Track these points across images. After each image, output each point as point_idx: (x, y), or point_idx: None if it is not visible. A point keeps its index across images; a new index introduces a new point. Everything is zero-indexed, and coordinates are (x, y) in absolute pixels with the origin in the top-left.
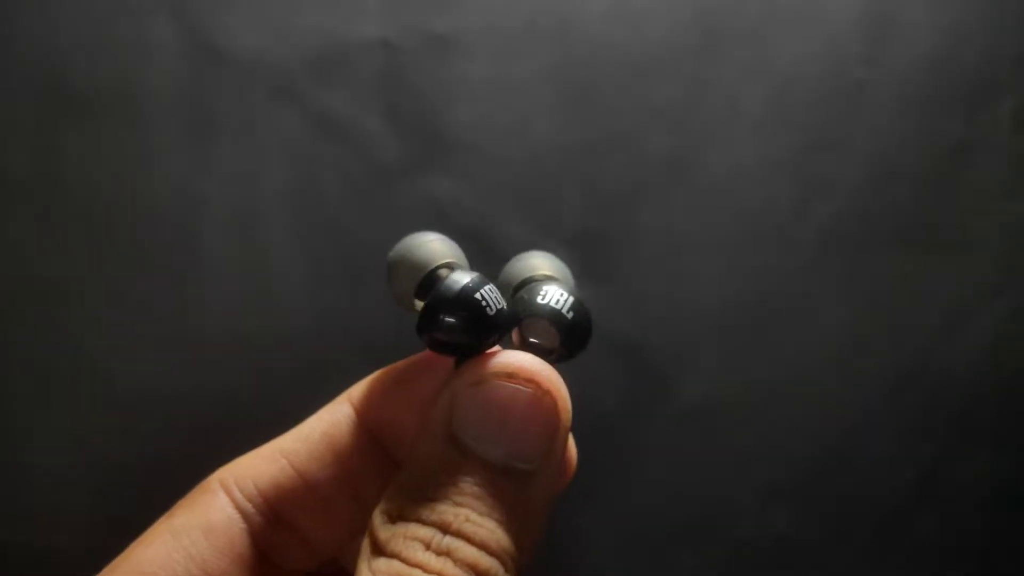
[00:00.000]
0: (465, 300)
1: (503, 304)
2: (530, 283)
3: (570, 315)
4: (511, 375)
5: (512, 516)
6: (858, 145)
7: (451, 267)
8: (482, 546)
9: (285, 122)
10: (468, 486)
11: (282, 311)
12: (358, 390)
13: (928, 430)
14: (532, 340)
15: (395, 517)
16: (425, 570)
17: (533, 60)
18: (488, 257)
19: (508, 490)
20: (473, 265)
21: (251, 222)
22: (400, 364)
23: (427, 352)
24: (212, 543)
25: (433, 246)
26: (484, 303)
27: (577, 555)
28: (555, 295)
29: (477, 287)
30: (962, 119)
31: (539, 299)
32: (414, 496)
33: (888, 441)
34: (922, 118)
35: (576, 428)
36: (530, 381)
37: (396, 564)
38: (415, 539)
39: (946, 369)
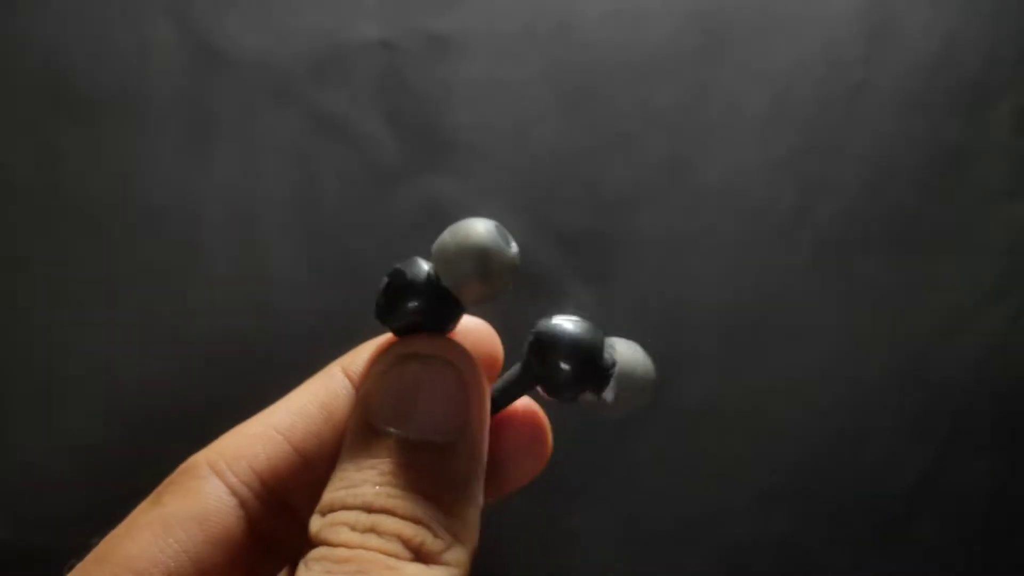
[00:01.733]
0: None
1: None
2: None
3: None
4: (412, 356)
5: (436, 487)
6: (858, 146)
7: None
8: (405, 517)
9: (285, 123)
10: (386, 465)
11: (282, 311)
12: (352, 360)
13: (928, 432)
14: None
15: (325, 511)
16: (348, 547)
17: (533, 62)
18: None
19: (427, 463)
20: None
21: (251, 222)
22: (388, 336)
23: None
24: (207, 534)
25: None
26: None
27: (577, 555)
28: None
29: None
30: (962, 120)
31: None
32: (340, 487)
33: (888, 442)
34: (922, 119)
35: (576, 428)
36: (431, 357)
37: (323, 550)
38: (341, 524)
39: (946, 371)
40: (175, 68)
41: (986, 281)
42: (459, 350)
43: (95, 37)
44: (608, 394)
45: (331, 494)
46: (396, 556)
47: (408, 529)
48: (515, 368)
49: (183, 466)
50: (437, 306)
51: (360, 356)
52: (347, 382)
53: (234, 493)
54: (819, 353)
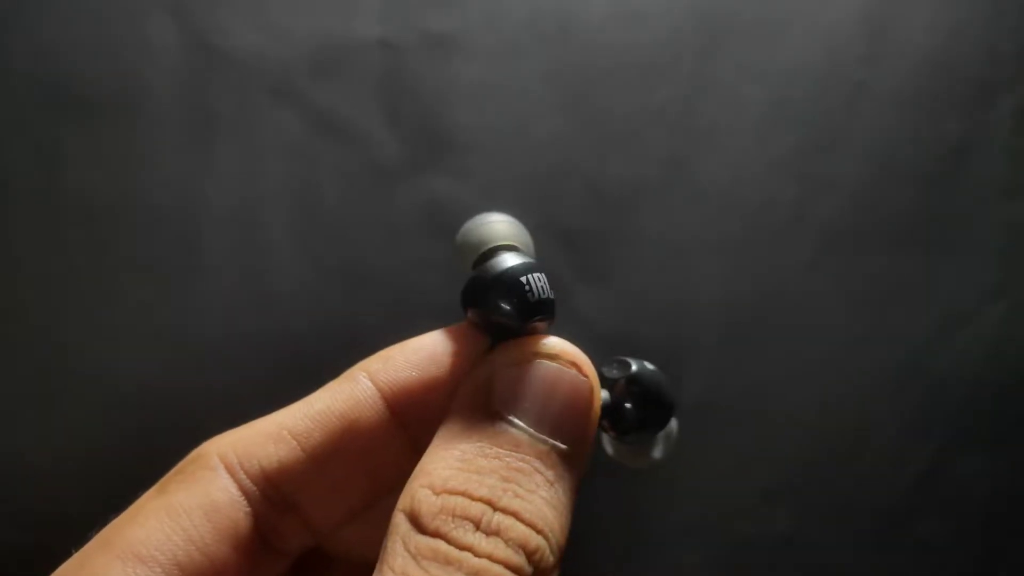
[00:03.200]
0: (511, 282)
1: (549, 293)
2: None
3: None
4: (555, 356)
5: (555, 495)
6: (858, 145)
7: (510, 248)
8: (530, 523)
9: (285, 122)
10: (514, 461)
11: (281, 311)
12: (380, 367)
13: (928, 430)
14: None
15: (439, 489)
16: (475, 553)
17: (533, 61)
18: None
19: (551, 469)
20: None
21: (251, 222)
22: (423, 341)
23: (451, 328)
24: (214, 525)
25: (495, 227)
26: (528, 288)
27: (577, 555)
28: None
29: (525, 271)
30: (962, 119)
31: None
32: (459, 468)
33: (888, 441)
34: (922, 118)
35: None
36: (572, 364)
37: (442, 546)
38: (464, 517)
39: (946, 369)
40: (175, 67)
41: (986, 280)
42: (590, 363)
43: (95, 37)
44: (667, 444)
45: (448, 471)
46: (520, 572)
47: (533, 540)
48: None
49: (192, 455)
50: (546, 307)
51: (390, 361)
52: (374, 390)
53: (242, 489)
54: (819, 352)
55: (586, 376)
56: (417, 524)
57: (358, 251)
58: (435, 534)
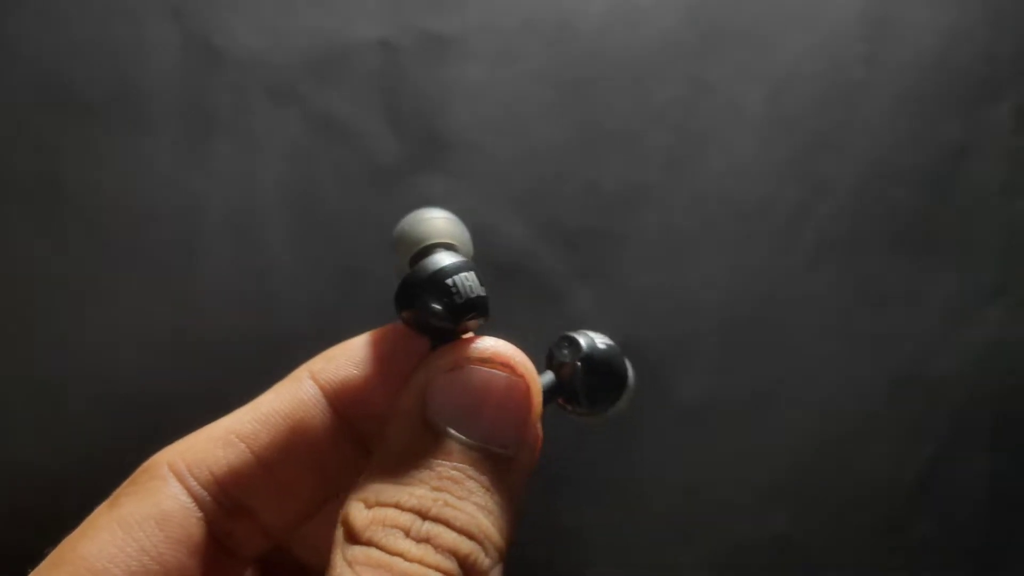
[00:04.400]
0: (438, 284)
1: (479, 292)
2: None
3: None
4: (486, 360)
5: (490, 500)
6: (857, 145)
7: (444, 246)
8: (462, 531)
9: (285, 122)
10: (446, 470)
11: (281, 311)
12: (323, 366)
13: (928, 431)
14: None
15: (371, 503)
16: (406, 558)
17: (532, 60)
18: (488, 258)
19: (485, 474)
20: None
21: (250, 222)
22: (365, 340)
23: (391, 326)
24: (167, 534)
25: (430, 224)
26: (455, 289)
27: (577, 555)
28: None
29: (453, 271)
30: (962, 119)
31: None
32: (390, 482)
33: (888, 442)
34: (922, 118)
35: (576, 428)
36: (505, 366)
37: (374, 552)
38: (394, 526)
39: (945, 370)
40: (175, 68)
41: (986, 281)
42: (528, 362)
43: (95, 37)
44: (623, 404)
45: (380, 485)
46: (451, 574)
47: (464, 545)
48: (547, 380)
49: (142, 467)
50: (474, 305)
51: (331, 359)
52: (316, 389)
53: (193, 496)
54: (819, 352)
55: (520, 376)
56: (351, 536)
57: (357, 251)
58: (368, 543)
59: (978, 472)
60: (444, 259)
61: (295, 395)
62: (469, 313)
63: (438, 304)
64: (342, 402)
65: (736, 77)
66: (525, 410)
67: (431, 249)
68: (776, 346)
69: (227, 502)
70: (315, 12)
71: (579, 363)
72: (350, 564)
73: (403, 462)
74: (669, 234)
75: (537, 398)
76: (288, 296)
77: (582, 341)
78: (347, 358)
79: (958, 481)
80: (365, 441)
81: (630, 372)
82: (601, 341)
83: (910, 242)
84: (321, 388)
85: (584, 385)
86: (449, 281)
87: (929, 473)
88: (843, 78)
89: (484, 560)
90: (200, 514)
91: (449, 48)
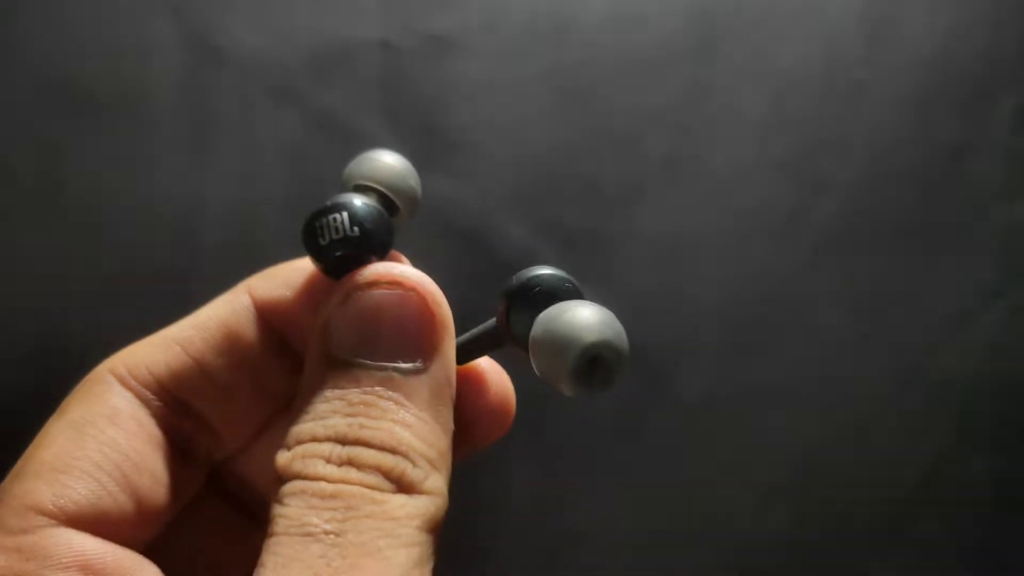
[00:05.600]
0: (307, 227)
1: (346, 232)
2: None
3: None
4: (373, 283)
5: (408, 415)
6: (857, 145)
7: (363, 189)
8: (382, 447)
9: (285, 122)
10: (356, 396)
11: None
12: (259, 283)
13: (928, 431)
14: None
15: (292, 444)
16: (328, 481)
17: (532, 61)
18: (488, 257)
19: (398, 391)
20: (473, 266)
21: (251, 222)
22: (304, 264)
23: None
24: (122, 428)
25: (360, 165)
26: (320, 230)
27: (577, 555)
28: None
29: (323, 213)
30: (961, 119)
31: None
32: (307, 419)
33: (888, 442)
34: (922, 118)
35: (576, 428)
36: (393, 283)
37: (299, 484)
38: (315, 456)
39: (946, 370)
40: (175, 67)
41: (985, 281)
42: (420, 275)
43: (96, 37)
44: (568, 384)
45: (298, 427)
46: (379, 488)
47: (387, 460)
48: (489, 322)
49: (84, 379)
50: (377, 230)
51: (269, 278)
52: (249, 302)
53: (136, 395)
54: (819, 352)
55: (411, 288)
56: (279, 479)
57: None
58: (293, 477)
59: (978, 472)
60: (343, 199)
61: (230, 305)
62: (334, 252)
63: (310, 247)
64: (274, 319)
65: (736, 78)
66: (424, 322)
67: (347, 192)
68: (776, 346)
69: (172, 402)
70: (315, 12)
71: (504, 298)
72: (280, 501)
73: (317, 400)
74: (669, 234)
75: (437, 308)
76: None
77: (513, 280)
78: (283, 279)
79: (958, 481)
80: (301, 360)
81: (568, 291)
82: (535, 272)
83: (910, 242)
84: (254, 302)
85: (506, 316)
86: (318, 223)
87: (930, 473)
88: (843, 78)
89: (413, 471)
90: (147, 410)
91: (449, 48)
